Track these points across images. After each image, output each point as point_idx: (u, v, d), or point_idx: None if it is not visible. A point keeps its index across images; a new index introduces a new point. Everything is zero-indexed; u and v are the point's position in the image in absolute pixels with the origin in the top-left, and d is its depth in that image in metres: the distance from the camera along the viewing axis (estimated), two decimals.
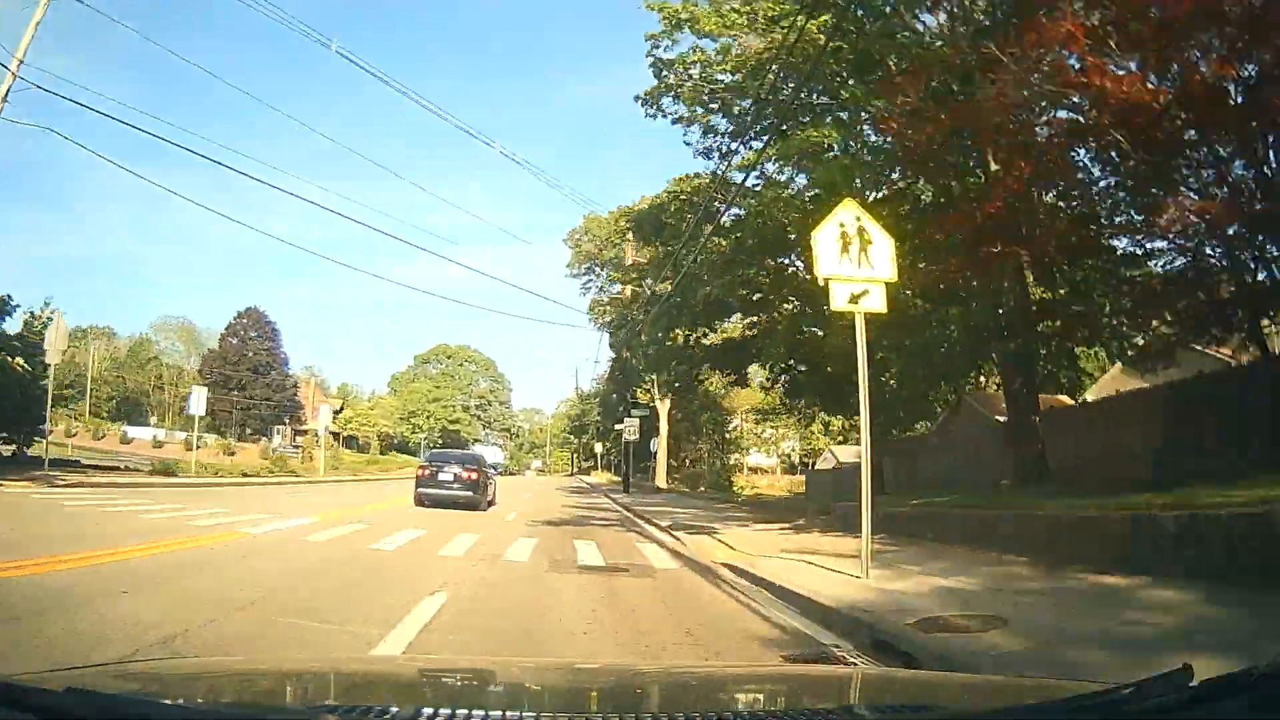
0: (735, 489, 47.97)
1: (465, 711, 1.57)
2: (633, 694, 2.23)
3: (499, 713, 1.66)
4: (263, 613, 5.49)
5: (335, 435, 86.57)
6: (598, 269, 54.92)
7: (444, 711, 1.56)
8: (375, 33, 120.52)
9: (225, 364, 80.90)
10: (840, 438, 75.68)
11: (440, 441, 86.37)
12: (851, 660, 5.03)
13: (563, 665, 3.69)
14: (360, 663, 3.41)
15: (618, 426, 51.32)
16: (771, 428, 70.21)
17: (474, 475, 19.41)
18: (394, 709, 1.69)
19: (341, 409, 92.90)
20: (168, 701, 1.68)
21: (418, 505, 18.63)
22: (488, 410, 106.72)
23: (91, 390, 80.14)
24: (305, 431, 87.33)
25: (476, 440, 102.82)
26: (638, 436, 31.91)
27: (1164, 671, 1.50)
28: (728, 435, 71.01)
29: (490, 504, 20.37)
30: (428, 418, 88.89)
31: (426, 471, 19.69)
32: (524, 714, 1.76)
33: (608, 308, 57.89)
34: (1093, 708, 1.52)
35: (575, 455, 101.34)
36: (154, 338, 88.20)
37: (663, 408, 50.52)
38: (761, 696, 2.27)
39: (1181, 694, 1.42)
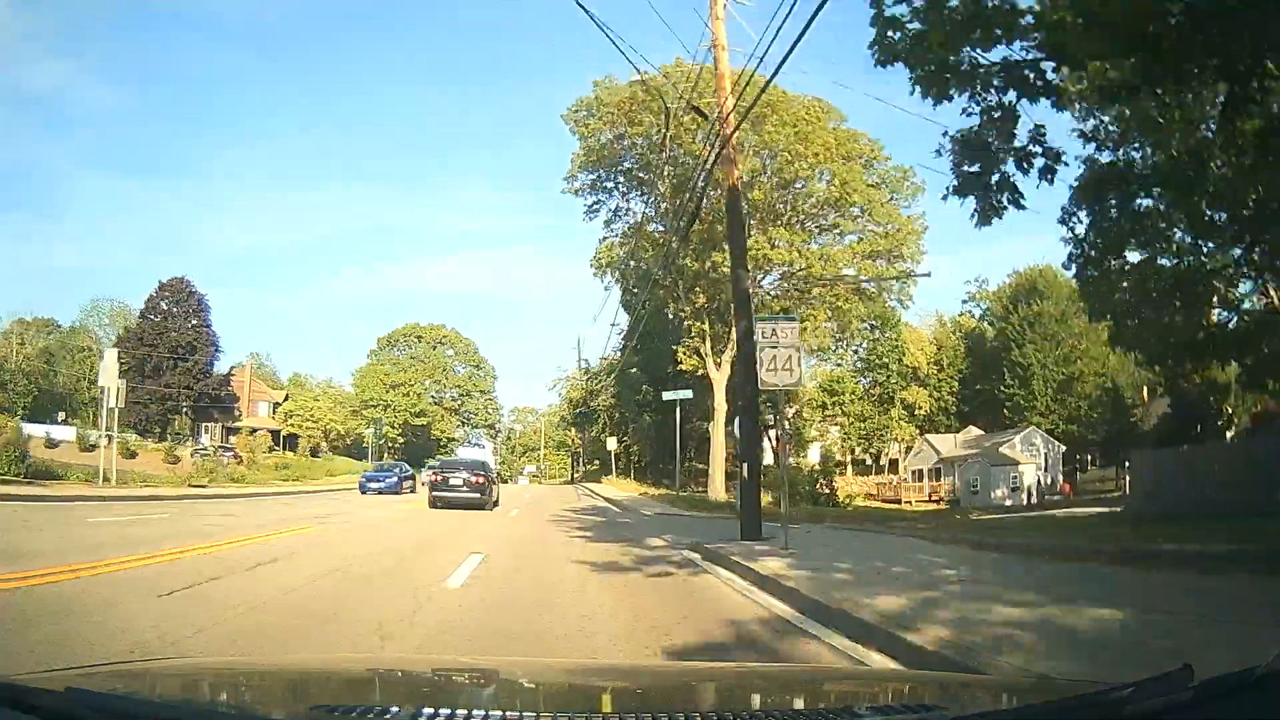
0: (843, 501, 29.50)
1: (465, 712, 1.58)
2: (633, 694, 2.22)
3: (499, 713, 1.67)
4: None
5: (274, 434, 74.19)
6: (610, 182, 36.38)
7: (444, 711, 1.58)
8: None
9: (142, 345, 66.36)
10: (922, 424, 58.16)
11: (402, 441, 78.34)
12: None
13: (564, 665, 3.67)
14: (360, 663, 3.32)
15: (668, 396, 33.20)
16: (843, 416, 52.33)
17: (480, 480, 23.07)
18: (394, 709, 1.72)
19: (286, 399, 73.86)
20: (168, 701, 1.71)
21: (431, 507, 21.85)
22: (467, 402, 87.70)
23: (6, 385, 70.49)
24: (237, 430, 73.72)
25: (451, 439, 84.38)
26: (795, 376, 11.57)
27: (1164, 671, 1.50)
28: (788, 425, 53.22)
29: (495, 504, 24.03)
30: (385, 409, 70.38)
31: (439, 477, 23.69)
32: (524, 714, 1.75)
33: (624, 245, 38.48)
34: (1093, 707, 1.53)
35: (576, 459, 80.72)
36: (89, 325, 78.79)
37: (719, 378, 32.15)
38: (762, 696, 2.21)
39: (1181, 694, 1.43)
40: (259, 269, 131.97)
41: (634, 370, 51.71)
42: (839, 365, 61.39)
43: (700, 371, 37.56)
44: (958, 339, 65.16)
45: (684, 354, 39.49)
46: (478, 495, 22.56)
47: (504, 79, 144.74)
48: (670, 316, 49.36)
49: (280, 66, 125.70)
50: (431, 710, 1.58)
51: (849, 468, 64.69)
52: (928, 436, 57.67)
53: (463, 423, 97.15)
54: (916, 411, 61.48)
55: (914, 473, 57.78)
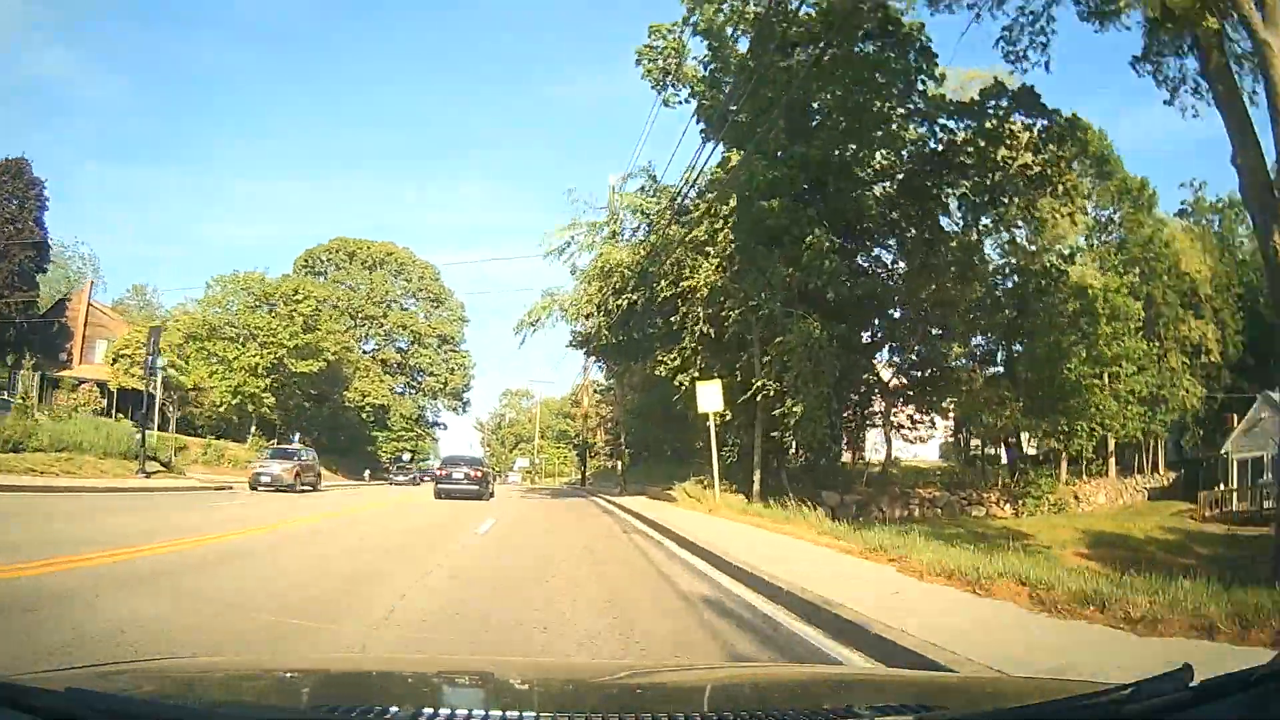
0: None
1: (465, 712, 1.65)
2: (632, 694, 2.26)
3: (499, 713, 1.74)
4: None
5: (101, 386, 48.12)
6: None
7: (444, 711, 1.63)
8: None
9: None
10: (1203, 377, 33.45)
11: (272, 405, 49.82)
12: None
13: (563, 665, 3.73)
14: (360, 662, 3.41)
15: None
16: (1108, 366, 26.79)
17: (478, 474, 28.67)
18: (393, 709, 1.76)
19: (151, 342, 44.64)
20: (168, 701, 1.76)
21: (437, 499, 26.47)
22: (417, 355, 59.77)
23: None
24: (58, 382, 48.37)
25: (384, 408, 64.90)
26: None
27: (1164, 671, 1.54)
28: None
29: (491, 495, 29.60)
30: (240, 351, 41.62)
31: (443, 472, 29.43)
32: (523, 714, 1.83)
33: None
34: (1092, 707, 1.56)
35: (585, 452, 52.51)
36: None
37: None
38: (762, 696, 2.27)
39: (1181, 694, 1.45)
40: (257, 265, 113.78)
41: (770, 204, 22.10)
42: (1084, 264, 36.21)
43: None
44: (1219, 249, 40.87)
45: None
46: (476, 487, 27.54)
47: (506, 77, 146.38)
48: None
49: (281, 63, 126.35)
50: (431, 710, 1.65)
51: (1110, 464, 39.92)
52: (1270, 393, 32.88)
53: (413, 387, 68.19)
54: (1203, 357, 36.94)
55: (1239, 464, 32.89)
